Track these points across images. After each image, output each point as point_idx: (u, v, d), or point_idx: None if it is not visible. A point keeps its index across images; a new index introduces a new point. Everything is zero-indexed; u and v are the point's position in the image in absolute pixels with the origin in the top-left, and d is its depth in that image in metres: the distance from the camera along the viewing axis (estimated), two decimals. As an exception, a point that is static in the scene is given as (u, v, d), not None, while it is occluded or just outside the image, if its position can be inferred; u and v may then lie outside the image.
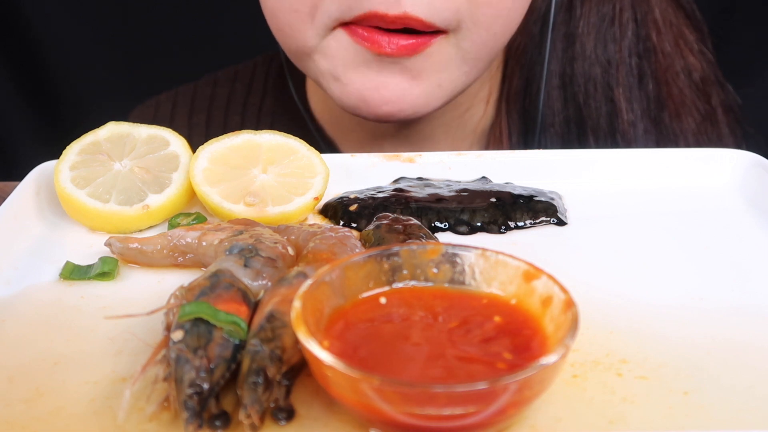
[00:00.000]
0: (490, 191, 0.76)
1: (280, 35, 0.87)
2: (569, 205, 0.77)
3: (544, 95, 0.98)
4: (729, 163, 0.80)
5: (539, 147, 1.00)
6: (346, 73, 0.83)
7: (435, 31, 0.81)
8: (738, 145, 1.03)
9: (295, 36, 0.85)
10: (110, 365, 0.57)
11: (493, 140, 1.02)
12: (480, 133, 1.04)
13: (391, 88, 0.82)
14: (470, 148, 1.04)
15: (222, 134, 0.76)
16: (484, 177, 0.80)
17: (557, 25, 0.97)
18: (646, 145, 0.99)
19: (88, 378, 0.56)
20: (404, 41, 0.79)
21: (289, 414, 0.51)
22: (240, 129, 0.77)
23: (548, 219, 0.74)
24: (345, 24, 0.81)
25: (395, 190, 0.77)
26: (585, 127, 0.99)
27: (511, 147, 1.01)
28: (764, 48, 1.39)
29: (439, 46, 0.81)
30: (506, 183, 0.79)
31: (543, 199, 0.76)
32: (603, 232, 0.73)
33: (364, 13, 0.78)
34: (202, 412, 0.50)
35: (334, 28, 0.82)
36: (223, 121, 1.10)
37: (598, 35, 0.97)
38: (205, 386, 0.51)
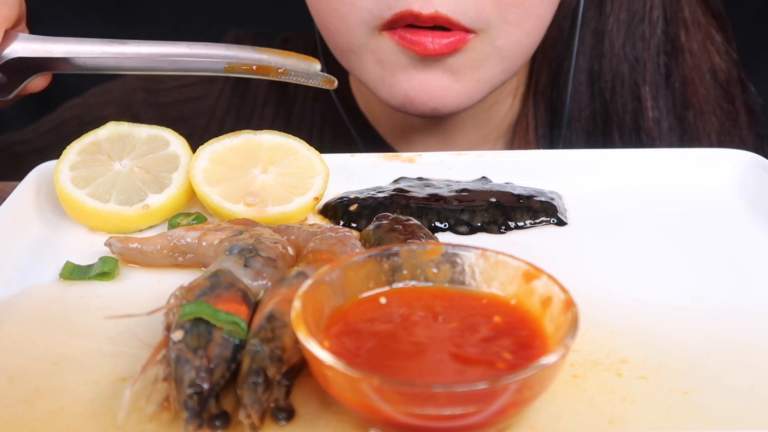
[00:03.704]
0: (490, 191, 0.76)
1: (326, 33, 0.92)
2: (569, 205, 0.77)
3: (571, 90, 1.00)
4: (729, 163, 0.80)
5: (564, 141, 1.02)
6: (394, 75, 0.88)
7: (466, 30, 0.84)
8: (758, 147, 1.05)
9: (340, 35, 0.89)
10: (110, 365, 0.57)
11: (520, 133, 1.04)
12: (506, 126, 1.05)
13: (433, 86, 0.87)
14: (496, 141, 1.06)
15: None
16: (484, 177, 0.80)
17: (587, 21, 0.99)
18: (670, 142, 1.01)
19: (88, 378, 0.56)
20: (445, 40, 0.84)
21: (289, 414, 0.51)
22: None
23: (548, 219, 0.74)
24: (387, 28, 0.85)
25: (395, 190, 0.77)
26: (610, 122, 1.01)
27: (537, 140, 1.03)
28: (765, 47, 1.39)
29: (474, 44, 0.85)
30: (506, 183, 0.79)
31: (543, 199, 0.76)
32: (603, 232, 0.73)
33: (400, 11, 0.82)
34: (202, 412, 0.50)
35: (380, 31, 0.86)
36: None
37: (628, 32, 0.99)
38: (205, 386, 0.51)
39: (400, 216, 0.71)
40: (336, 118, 1.06)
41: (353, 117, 1.07)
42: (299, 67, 0.72)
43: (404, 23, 0.84)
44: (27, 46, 0.73)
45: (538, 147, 1.02)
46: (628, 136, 1.00)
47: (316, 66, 0.73)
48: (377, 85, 0.90)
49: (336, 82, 0.74)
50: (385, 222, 0.70)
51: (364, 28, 0.86)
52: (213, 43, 0.74)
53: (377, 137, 1.06)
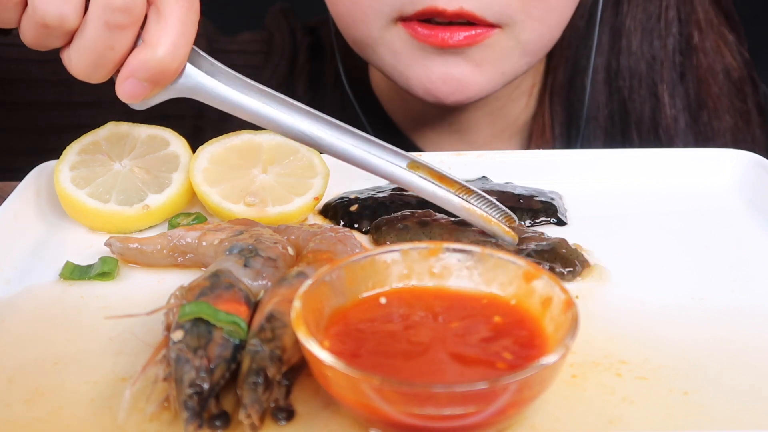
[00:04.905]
0: (490, 191, 0.76)
1: (343, 25, 0.91)
2: (569, 205, 0.77)
3: (589, 88, 1.01)
4: (729, 163, 0.80)
5: (582, 139, 1.02)
6: (410, 67, 0.87)
7: (491, 25, 0.84)
8: None
9: (357, 27, 0.89)
10: (110, 365, 0.57)
11: (536, 132, 1.05)
12: (522, 124, 1.06)
13: (456, 77, 0.87)
14: (512, 138, 1.06)
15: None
16: (484, 176, 0.80)
17: (604, 20, 1.00)
18: (687, 140, 1.01)
19: (88, 378, 0.56)
20: (465, 32, 0.84)
21: (289, 414, 0.51)
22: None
23: (548, 219, 0.74)
24: (403, 20, 0.85)
25: (394, 189, 0.77)
26: (629, 120, 1.02)
27: (554, 139, 1.03)
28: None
29: (498, 38, 0.85)
30: (506, 183, 0.79)
31: (543, 199, 0.76)
32: (603, 232, 0.73)
33: (424, 8, 0.82)
34: (202, 412, 0.50)
35: (396, 22, 0.86)
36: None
37: (644, 31, 1.00)
38: (205, 386, 0.51)
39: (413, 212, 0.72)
40: (354, 109, 1.06)
41: (370, 107, 1.07)
42: (495, 232, 0.68)
43: (426, 17, 0.83)
44: (195, 87, 0.64)
45: (555, 146, 1.03)
46: (646, 134, 1.01)
47: (512, 242, 0.68)
48: (395, 76, 0.90)
49: (517, 237, 0.69)
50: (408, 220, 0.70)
51: (382, 21, 0.86)
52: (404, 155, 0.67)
53: (394, 128, 1.07)
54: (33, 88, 1.04)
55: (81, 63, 0.63)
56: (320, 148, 0.66)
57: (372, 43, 0.89)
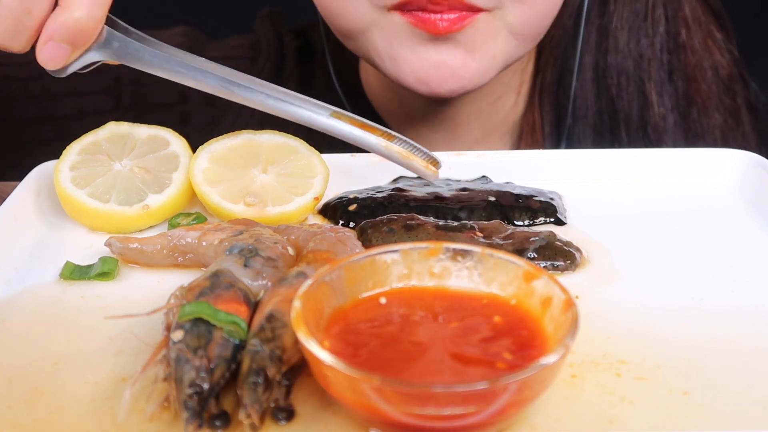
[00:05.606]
0: (490, 191, 0.76)
1: (329, 16, 0.91)
2: (569, 205, 0.77)
3: (576, 87, 1.01)
4: (729, 163, 0.80)
5: (572, 138, 1.02)
6: (402, 52, 0.86)
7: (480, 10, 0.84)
8: (761, 144, 1.06)
9: (345, 17, 0.88)
10: (110, 365, 0.57)
11: (526, 131, 1.05)
12: (512, 123, 1.06)
13: (449, 65, 0.86)
14: (502, 137, 1.06)
15: None
16: (484, 176, 0.80)
17: (591, 19, 1.00)
18: (676, 138, 1.02)
19: (88, 378, 0.56)
20: (453, 15, 0.83)
21: (289, 414, 0.52)
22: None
23: (547, 219, 0.74)
24: (397, 8, 0.84)
25: (394, 189, 0.77)
26: (617, 119, 1.02)
27: (544, 138, 1.03)
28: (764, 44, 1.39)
29: (484, 18, 0.84)
30: (506, 183, 0.79)
31: (542, 198, 0.76)
32: (603, 232, 0.73)
33: None
34: (202, 412, 0.50)
35: (389, 10, 0.85)
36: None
37: (631, 30, 1.00)
38: (205, 386, 0.51)
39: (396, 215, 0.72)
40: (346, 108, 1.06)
41: (362, 109, 1.06)
42: (414, 167, 0.71)
43: (417, 7, 0.83)
44: (117, 49, 0.68)
45: (545, 145, 1.03)
46: (635, 132, 1.01)
47: (434, 176, 0.71)
48: (386, 64, 0.89)
49: (438, 173, 0.73)
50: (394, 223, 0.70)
51: (372, 8, 0.86)
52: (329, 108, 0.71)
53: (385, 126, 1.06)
54: (16, 104, 1.05)
55: None
56: (239, 99, 0.69)
57: (363, 29, 0.87)
